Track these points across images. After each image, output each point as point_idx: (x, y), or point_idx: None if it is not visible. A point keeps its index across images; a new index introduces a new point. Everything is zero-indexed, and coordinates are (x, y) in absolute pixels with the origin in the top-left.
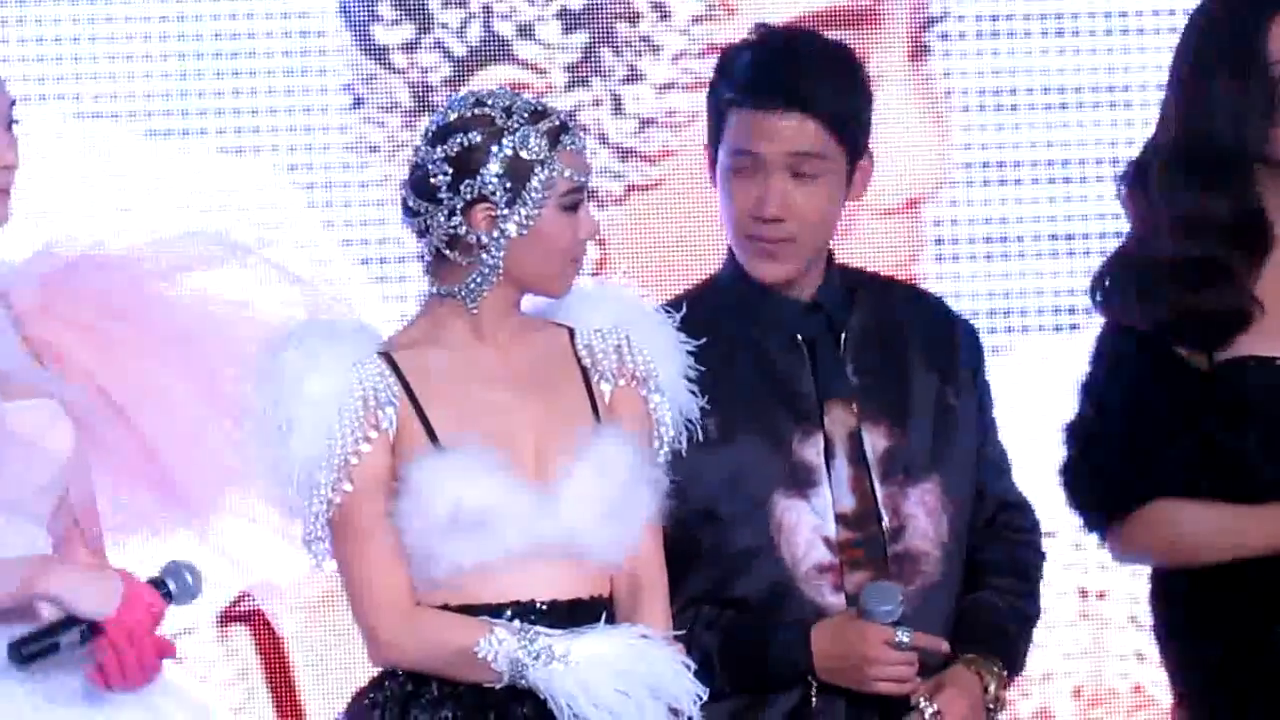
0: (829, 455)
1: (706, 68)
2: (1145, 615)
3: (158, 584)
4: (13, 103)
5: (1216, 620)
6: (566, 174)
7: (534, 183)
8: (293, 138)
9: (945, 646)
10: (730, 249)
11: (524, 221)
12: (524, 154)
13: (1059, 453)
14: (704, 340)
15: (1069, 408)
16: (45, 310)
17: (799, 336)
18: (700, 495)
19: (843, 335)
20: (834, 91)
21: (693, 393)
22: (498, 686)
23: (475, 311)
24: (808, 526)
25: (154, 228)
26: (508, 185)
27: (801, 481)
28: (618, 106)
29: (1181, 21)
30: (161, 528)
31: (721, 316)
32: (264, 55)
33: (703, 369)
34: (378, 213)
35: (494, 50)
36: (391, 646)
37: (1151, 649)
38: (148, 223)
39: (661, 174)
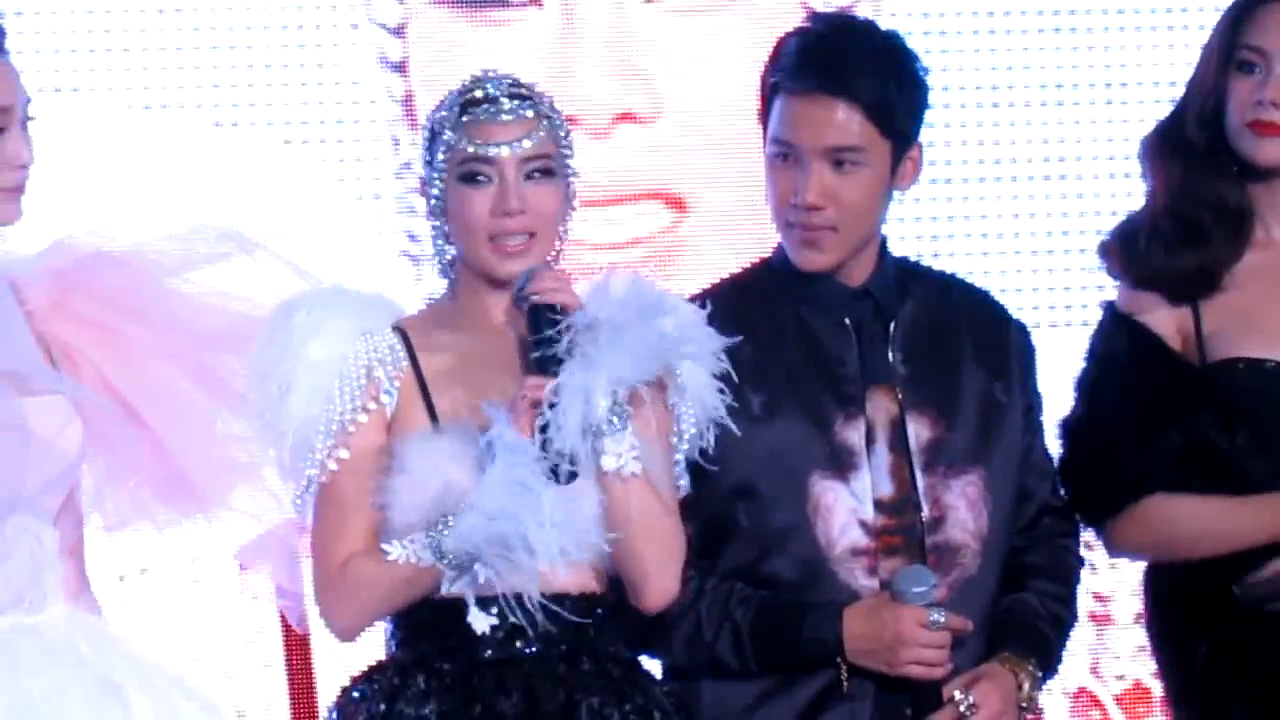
0: (870, 440)
1: None
2: None
3: None
4: (28, 100)
5: (1202, 622)
6: (464, 144)
7: (436, 154)
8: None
9: (970, 626)
10: None
11: (436, 195)
12: (435, 126)
13: (1057, 449)
14: (753, 323)
15: (1058, 403)
16: (58, 307)
17: (847, 320)
18: (741, 471)
19: (891, 324)
20: (877, 80)
21: (721, 391)
22: (446, 588)
23: (457, 292)
24: (845, 508)
25: (167, 220)
26: (426, 159)
27: (842, 464)
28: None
29: (1176, 19)
30: (164, 522)
31: (772, 298)
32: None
33: (751, 349)
34: None
35: None
36: (333, 609)
37: None
38: (170, 209)
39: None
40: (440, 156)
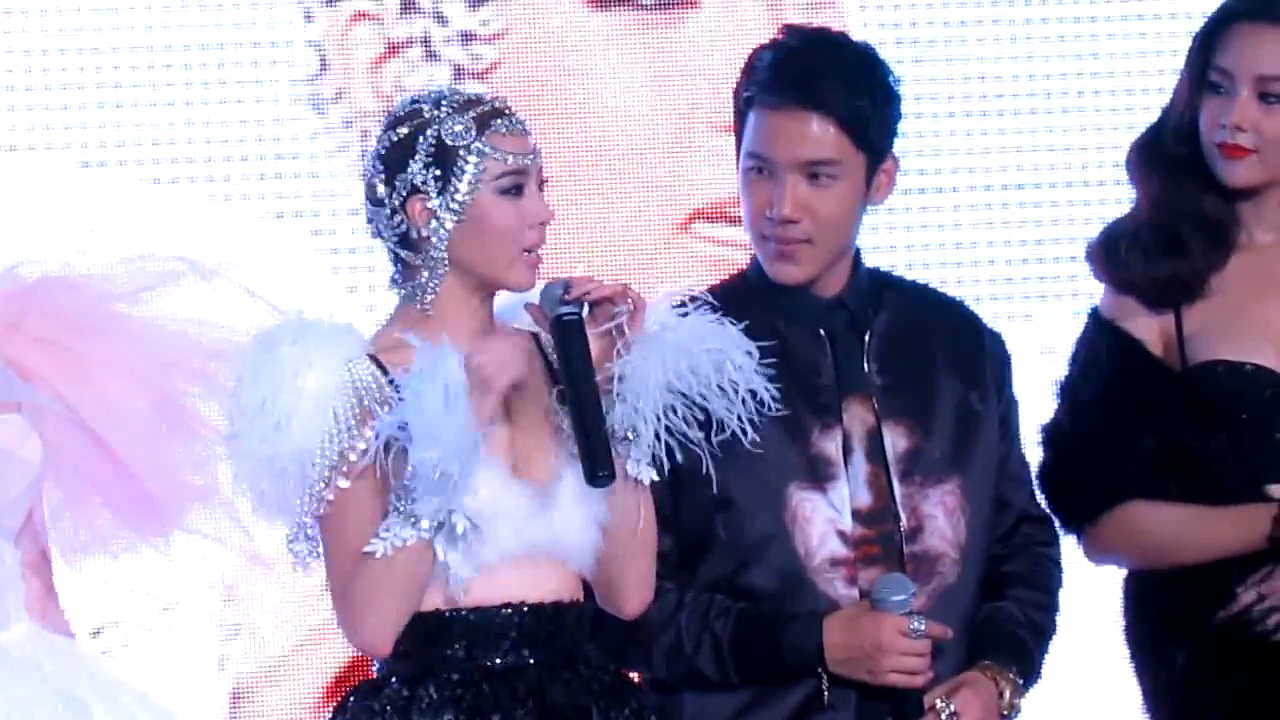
0: (847, 450)
1: None
2: None
3: None
4: None
5: (1180, 630)
6: (497, 156)
7: (462, 168)
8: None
9: (950, 634)
10: None
11: (458, 209)
12: (449, 141)
13: (1037, 455)
14: None
15: (1033, 412)
16: (14, 328)
17: (821, 331)
18: (718, 482)
19: (866, 334)
20: (850, 93)
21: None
22: (441, 554)
23: (431, 313)
24: (823, 519)
25: (117, 248)
26: (436, 174)
27: (819, 474)
28: (442, 20)
29: (1149, 27)
30: (118, 549)
31: (748, 309)
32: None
33: None
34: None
35: None
36: (353, 625)
37: None
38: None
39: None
40: (469, 169)
